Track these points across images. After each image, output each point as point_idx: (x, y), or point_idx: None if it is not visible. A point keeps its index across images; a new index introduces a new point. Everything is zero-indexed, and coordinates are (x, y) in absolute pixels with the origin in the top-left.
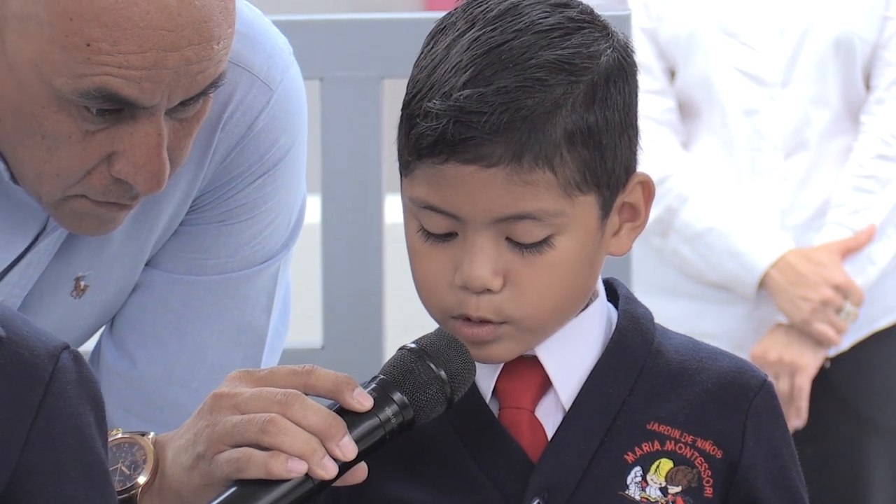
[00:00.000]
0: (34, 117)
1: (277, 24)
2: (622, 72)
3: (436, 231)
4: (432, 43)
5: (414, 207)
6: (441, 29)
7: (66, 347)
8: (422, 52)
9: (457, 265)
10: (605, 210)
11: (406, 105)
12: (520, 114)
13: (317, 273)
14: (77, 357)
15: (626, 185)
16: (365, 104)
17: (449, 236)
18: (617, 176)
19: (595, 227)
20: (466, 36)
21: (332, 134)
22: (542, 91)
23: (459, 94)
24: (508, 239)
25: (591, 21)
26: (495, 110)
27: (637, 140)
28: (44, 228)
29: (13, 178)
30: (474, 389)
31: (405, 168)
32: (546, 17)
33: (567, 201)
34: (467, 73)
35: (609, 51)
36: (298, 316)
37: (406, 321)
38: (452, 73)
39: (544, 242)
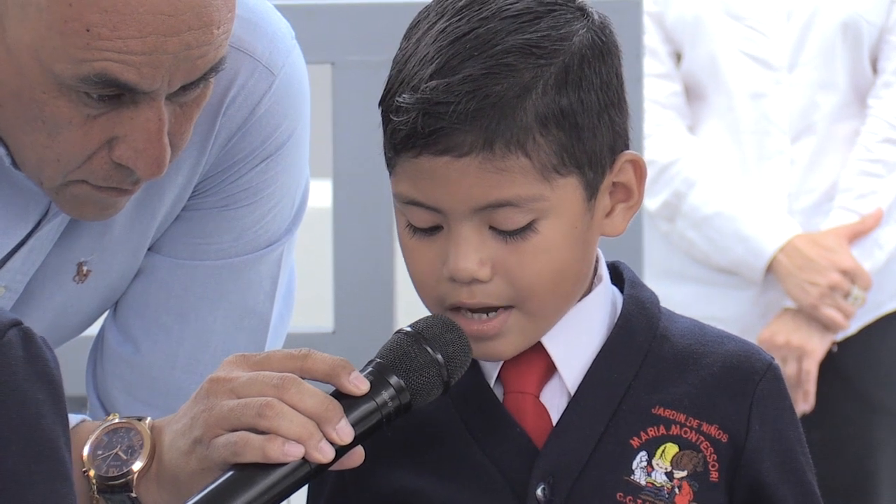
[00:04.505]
0: (34, 102)
1: (290, 8)
2: (597, 52)
3: (421, 225)
4: (407, 38)
5: (399, 204)
6: (415, 24)
7: (17, 325)
8: (399, 48)
9: (444, 258)
10: (591, 191)
11: (381, 102)
12: (488, 100)
13: (328, 258)
14: (27, 335)
15: (613, 164)
16: (377, 88)
17: (435, 230)
18: (599, 156)
19: (581, 209)
20: (435, 27)
21: (343, 118)
22: (509, 76)
23: (426, 85)
24: (492, 227)
25: (564, 3)
26: (462, 99)
27: (623, 120)
28: (46, 214)
29: (15, 163)
30: (479, 374)
31: (389, 165)
32: (514, 3)
33: (545, 185)
34: (434, 63)
35: (582, 31)
36: (310, 301)
37: (417, 306)
38: (420, 66)
39: (528, 228)
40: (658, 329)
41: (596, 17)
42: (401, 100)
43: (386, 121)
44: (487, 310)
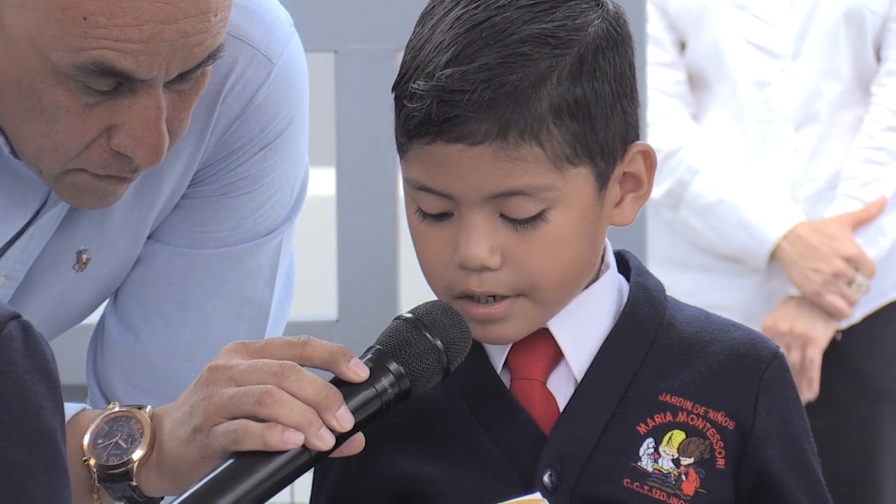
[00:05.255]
0: (32, 91)
1: None
2: (612, 42)
3: (431, 211)
4: (421, 24)
5: (410, 189)
6: (430, 9)
7: (16, 317)
8: (413, 33)
9: (454, 245)
10: (602, 181)
11: (394, 87)
12: (503, 90)
13: (332, 246)
14: (27, 328)
15: (625, 155)
16: (379, 77)
17: (445, 216)
18: (612, 147)
19: (592, 199)
20: (451, 14)
21: (346, 107)
22: (525, 65)
23: (442, 73)
24: (503, 216)
25: None
26: (478, 87)
27: (634, 110)
28: (45, 202)
29: (14, 152)
30: (486, 361)
31: (400, 150)
32: None
33: (558, 175)
34: (450, 51)
35: (597, 21)
36: (314, 289)
37: (421, 293)
38: (436, 53)
39: (538, 217)
40: (664, 317)
41: (611, 7)
42: (415, 86)
43: (399, 106)
44: (495, 296)
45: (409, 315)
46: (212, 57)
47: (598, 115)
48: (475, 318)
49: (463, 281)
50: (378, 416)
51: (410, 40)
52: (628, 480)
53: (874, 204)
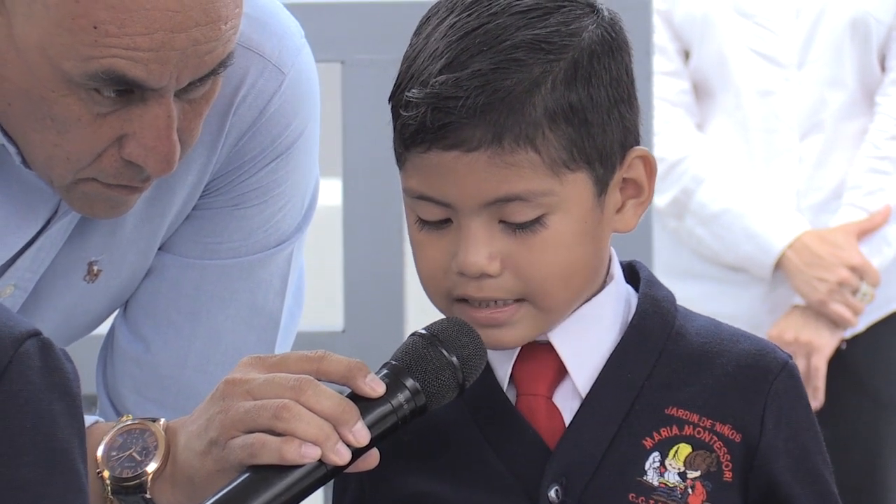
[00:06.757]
0: (43, 101)
1: (299, 6)
2: (607, 48)
3: (430, 219)
4: (417, 34)
5: (409, 198)
6: (425, 20)
7: (35, 335)
8: (409, 44)
9: (454, 252)
10: (601, 187)
11: (391, 98)
12: (497, 95)
13: (338, 256)
14: (46, 346)
15: (624, 160)
16: (386, 87)
17: (444, 223)
18: (610, 152)
19: (591, 204)
20: (445, 23)
21: (353, 117)
22: (519, 71)
23: (436, 80)
24: (502, 221)
25: None
26: (471, 94)
27: (633, 115)
28: (56, 212)
29: (25, 161)
30: (491, 377)
31: (398, 160)
32: None
33: (555, 180)
34: (443, 59)
35: (592, 27)
36: (320, 299)
37: (427, 304)
38: (430, 61)
39: (536, 222)
40: (673, 328)
41: (606, 13)
42: (410, 94)
43: (395, 116)
44: (496, 301)
45: (425, 331)
46: (222, 65)
47: (594, 121)
48: (477, 321)
49: (461, 286)
50: (394, 431)
51: (406, 51)
52: (634, 495)
53: (879, 213)
